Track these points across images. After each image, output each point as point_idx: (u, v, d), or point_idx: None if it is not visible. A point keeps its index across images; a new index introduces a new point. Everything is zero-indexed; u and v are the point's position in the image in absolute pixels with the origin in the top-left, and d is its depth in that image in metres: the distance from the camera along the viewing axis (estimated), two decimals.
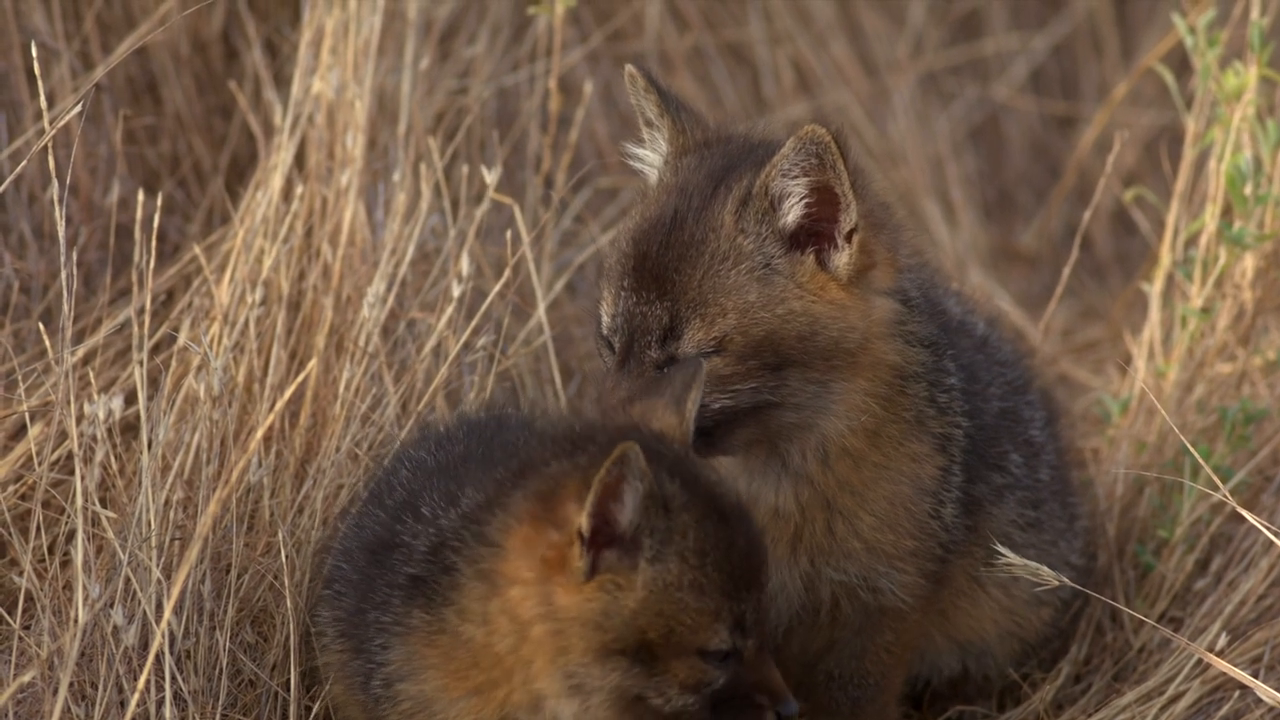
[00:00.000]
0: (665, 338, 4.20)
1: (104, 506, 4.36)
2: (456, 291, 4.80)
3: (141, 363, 4.44)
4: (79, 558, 4.11)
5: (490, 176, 5.01)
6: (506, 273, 4.87)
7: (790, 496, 4.32)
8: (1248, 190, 4.94)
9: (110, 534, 4.27)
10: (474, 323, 4.82)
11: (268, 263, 4.91)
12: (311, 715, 4.36)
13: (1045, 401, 4.84)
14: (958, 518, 4.41)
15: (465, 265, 4.86)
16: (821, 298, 4.22)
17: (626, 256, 4.24)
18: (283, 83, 5.64)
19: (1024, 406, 4.70)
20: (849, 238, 4.21)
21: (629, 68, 4.36)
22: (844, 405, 4.27)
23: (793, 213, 4.20)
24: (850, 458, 4.31)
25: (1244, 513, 4.21)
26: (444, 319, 4.88)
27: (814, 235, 4.22)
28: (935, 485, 4.37)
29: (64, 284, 4.33)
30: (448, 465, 4.22)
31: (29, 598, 4.26)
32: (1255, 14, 5.02)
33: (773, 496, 4.32)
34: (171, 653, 4.18)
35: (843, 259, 4.22)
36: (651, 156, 4.41)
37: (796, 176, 4.18)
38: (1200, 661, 4.56)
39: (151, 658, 4.00)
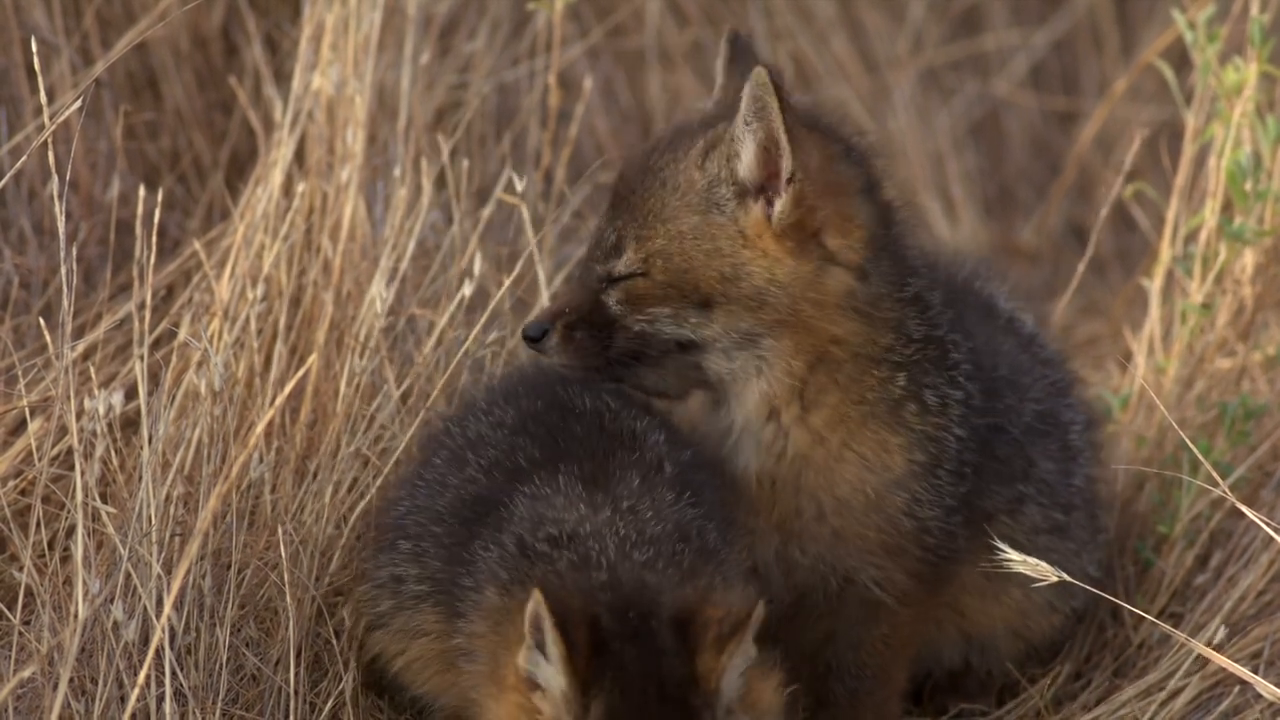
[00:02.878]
0: (609, 254, 4.27)
1: (104, 502, 4.36)
2: (468, 290, 4.80)
3: (142, 358, 4.44)
4: (79, 553, 4.11)
5: (519, 185, 5.01)
6: (517, 268, 4.87)
7: (756, 464, 4.31)
8: (1248, 186, 4.94)
9: (110, 529, 4.27)
10: (484, 317, 4.82)
11: (268, 258, 4.91)
12: (315, 710, 4.36)
13: (1085, 408, 4.81)
14: (946, 524, 4.36)
15: (477, 264, 4.86)
16: (754, 245, 4.22)
17: (615, 179, 4.35)
18: (283, 78, 5.63)
19: (1064, 409, 4.65)
20: (787, 186, 4.21)
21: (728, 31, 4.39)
22: (779, 368, 4.26)
23: (748, 161, 4.22)
24: (808, 432, 4.30)
25: (1244, 508, 4.21)
26: (446, 315, 4.88)
27: (771, 190, 4.23)
28: (908, 480, 4.32)
29: (64, 279, 4.32)
30: (525, 425, 4.24)
31: (29, 593, 4.26)
32: (1255, 10, 5.01)
33: (740, 462, 4.33)
34: (172, 648, 4.18)
35: (777, 208, 4.22)
36: None
37: (751, 123, 4.20)
38: (1200, 657, 4.56)
39: (152, 653, 4.00)
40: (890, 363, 4.29)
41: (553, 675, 3.74)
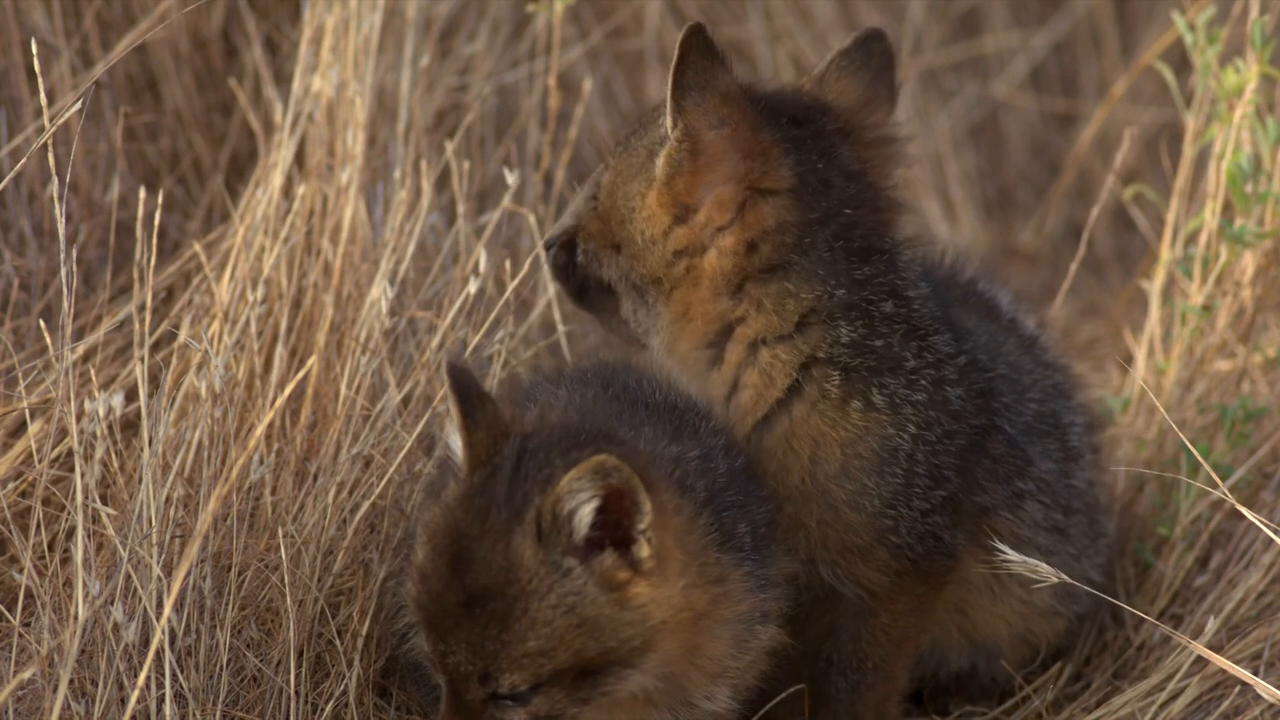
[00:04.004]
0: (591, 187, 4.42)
1: (104, 504, 4.36)
2: (473, 288, 4.80)
3: (142, 360, 4.44)
4: (79, 555, 4.11)
5: (511, 179, 5.02)
6: (524, 268, 4.88)
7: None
8: (1248, 188, 4.95)
9: (110, 531, 4.27)
10: (491, 318, 4.83)
11: (268, 260, 4.91)
12: (316, 711, 4.36)
13: (1086, 411, 4.80)
14: (921, 524, 4.32)
15: (483, 263, 4.87)
16: (646, 196, 4.27)
17: None
18: (283, 80, 5.64)
19: (1065, 411, 4.64)
20: (663, 141, 4.25)
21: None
22: (667, 331, 4.31)
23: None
24: (750, 418, 4.30)
25: (1243, 510, 4.21)
26: (449, 317, 4.88)
27: None
28: (858, 473, 4.28)
29: (64, 281, 4.33)
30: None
31: (29, 595, 4.26)
32: (1255, 13, 5.02)
33: None
34: (172, 650, 4.19)
35: (655, 163, 4.28)
36: None
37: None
38: (1200, 658, 4.56)
39: (152, 655, 4.00)
40: (818, 360, 4.27)
41: (454, 441, 3.96)
